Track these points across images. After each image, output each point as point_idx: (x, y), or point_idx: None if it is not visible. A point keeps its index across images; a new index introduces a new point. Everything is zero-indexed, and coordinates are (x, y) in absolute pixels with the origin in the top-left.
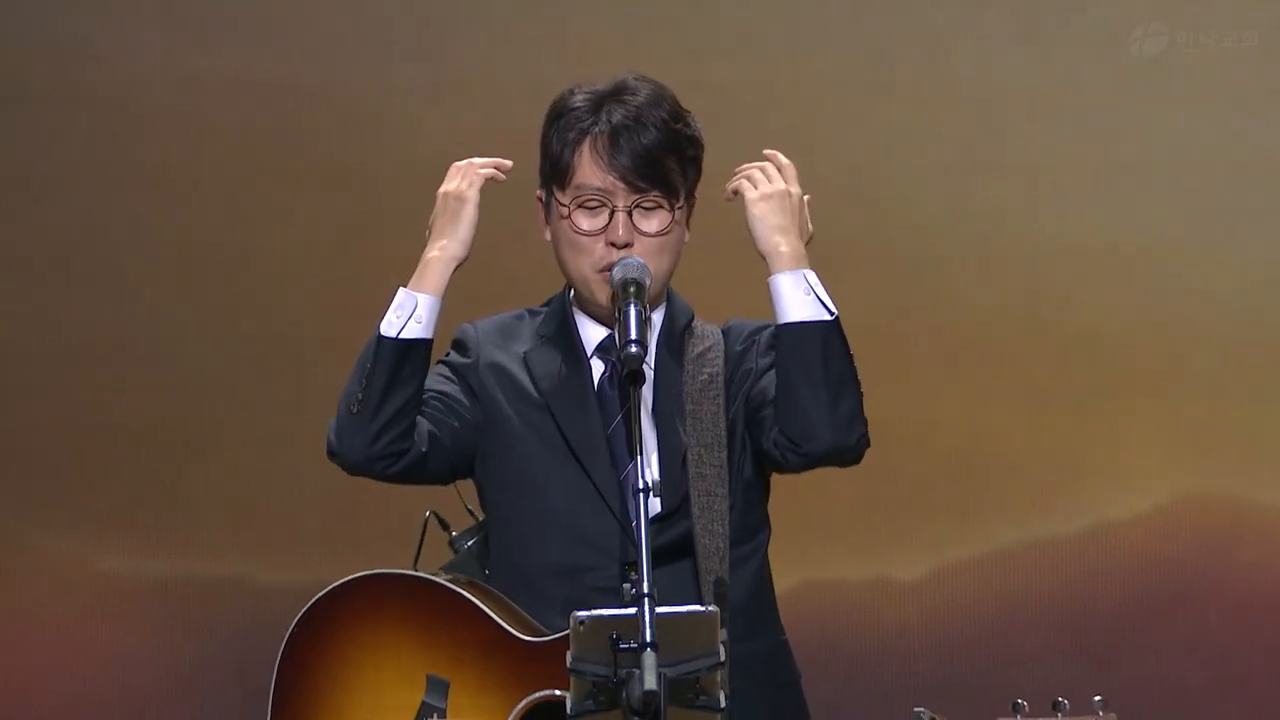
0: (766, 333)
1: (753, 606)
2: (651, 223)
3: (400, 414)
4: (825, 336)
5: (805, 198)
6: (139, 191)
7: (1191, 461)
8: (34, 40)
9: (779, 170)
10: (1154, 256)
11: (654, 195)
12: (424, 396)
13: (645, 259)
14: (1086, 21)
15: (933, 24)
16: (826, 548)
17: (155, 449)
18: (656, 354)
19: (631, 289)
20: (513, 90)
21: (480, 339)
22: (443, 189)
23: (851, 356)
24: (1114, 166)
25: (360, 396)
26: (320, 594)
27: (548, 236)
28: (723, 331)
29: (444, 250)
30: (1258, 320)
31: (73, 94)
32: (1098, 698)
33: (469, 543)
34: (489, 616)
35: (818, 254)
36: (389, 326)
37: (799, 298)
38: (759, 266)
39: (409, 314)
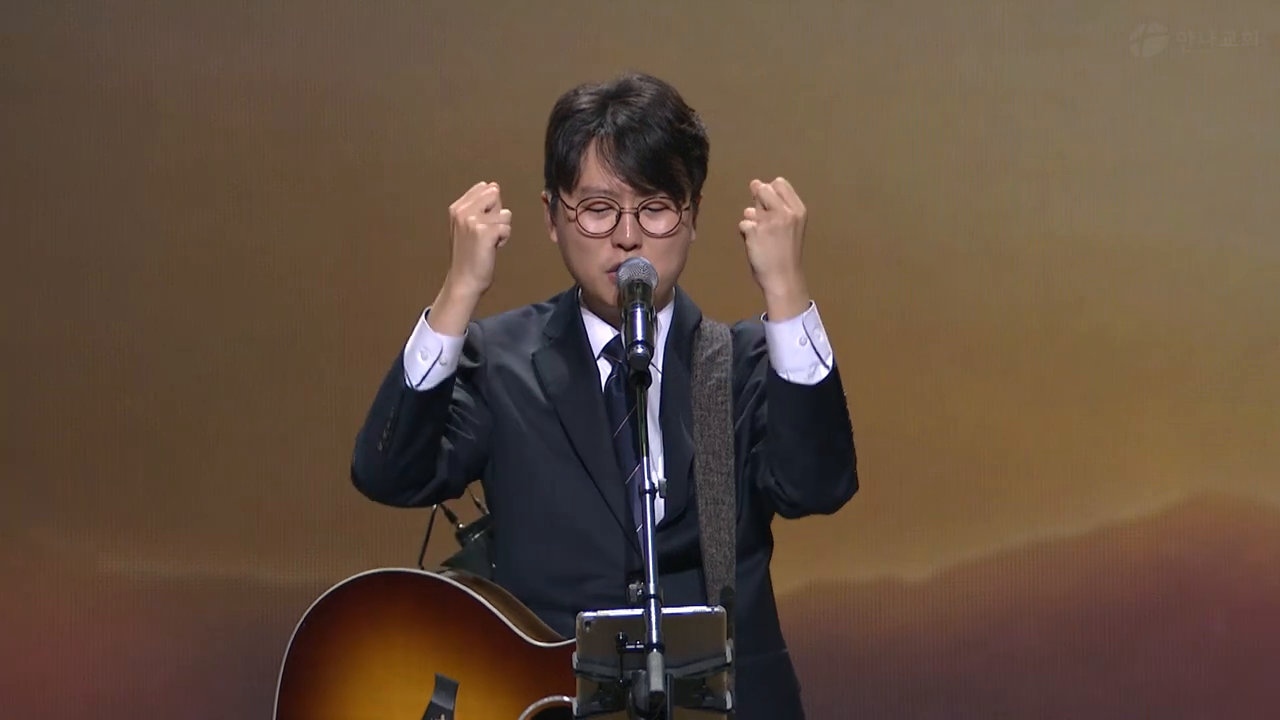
0: None
1: (755, 619)
2: (658, 224)
3: (426, 450)
4: (818, 394)
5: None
6: (150, 192)
7: (1202, 462)
8: (45, 41)
9: (781, 196)
10: (1165, 257)
11: (660, 196)
12: None
13: (653, 260)
14: (1094, 24)
15: (943, 26)
16: (834, 549)
17: (164, 449)
18: (664, 356)
19: (638, 290)
20: (524, 91)
21: (487, 340)
22: (455, 212)
23: (844, 404)
24: (1125, 167)
25: (386, 436)
26: (327, 591)
27: (554, 238)
28: (733, 334)
29: (466, 286)
30: (1269, 320)
31: (84, 94)
32: None
33: (476, 536)
34: (499, 619)
35: (828, 255)
36: (415, 371)
37: (794, 348)
38: None
39: (434, 359)
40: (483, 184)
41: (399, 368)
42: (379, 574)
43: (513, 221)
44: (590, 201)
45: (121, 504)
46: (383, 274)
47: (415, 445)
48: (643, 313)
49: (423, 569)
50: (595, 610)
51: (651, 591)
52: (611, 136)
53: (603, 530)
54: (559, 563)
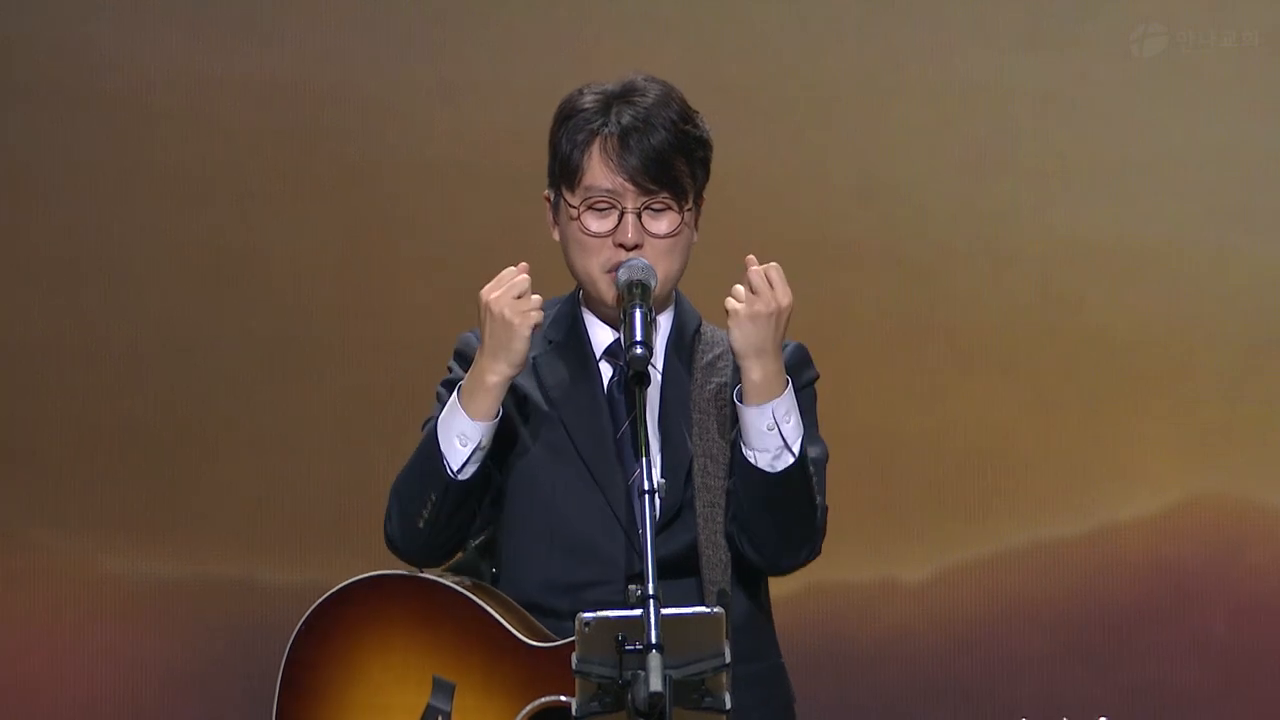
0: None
1: (751, 627)
2: (660, 224)
3: (465, 525)
4: (780, 481)
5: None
6: (150, 192)
7: (1202, 463)
8: (46, 41)
9: (771, 284)
10: (1165, 257)
11: (663, 197)
12: None
13: (654, 261)
14: (1094, 24)
15: (943, 26)
16: (833, 549)
17: (163, 449)
18: (665, 359)
19: (637, 290)
20: (524, 91)
21: None
22: (486, 299)
23: (809, 490)
24: (1125, 167)
25: (428, 517)
26: (326, 594)
27: (556, 237)
28: None
29: (500, 374)
30: (1269, 321)
31: (84, 94)
32: (1102, 718)
33: (476, 541)
34: (496, 620)
35: (828, 255)
36: (454, 458)
37: (760, 432)
38: None
39: (473, 446)
40: (513, 270)
41: (436, 449)
42: (376, 577)
43: (512, 221)
44: (592, 201)
45: (121, 504)
46: (383, 274)
47: (456, 523)
48: (642, 313)
49: (421, 572)
50: (594, 611)
51: (650, 592)
52: (615, 136)
53: (604, 533)
54: (559, 569)
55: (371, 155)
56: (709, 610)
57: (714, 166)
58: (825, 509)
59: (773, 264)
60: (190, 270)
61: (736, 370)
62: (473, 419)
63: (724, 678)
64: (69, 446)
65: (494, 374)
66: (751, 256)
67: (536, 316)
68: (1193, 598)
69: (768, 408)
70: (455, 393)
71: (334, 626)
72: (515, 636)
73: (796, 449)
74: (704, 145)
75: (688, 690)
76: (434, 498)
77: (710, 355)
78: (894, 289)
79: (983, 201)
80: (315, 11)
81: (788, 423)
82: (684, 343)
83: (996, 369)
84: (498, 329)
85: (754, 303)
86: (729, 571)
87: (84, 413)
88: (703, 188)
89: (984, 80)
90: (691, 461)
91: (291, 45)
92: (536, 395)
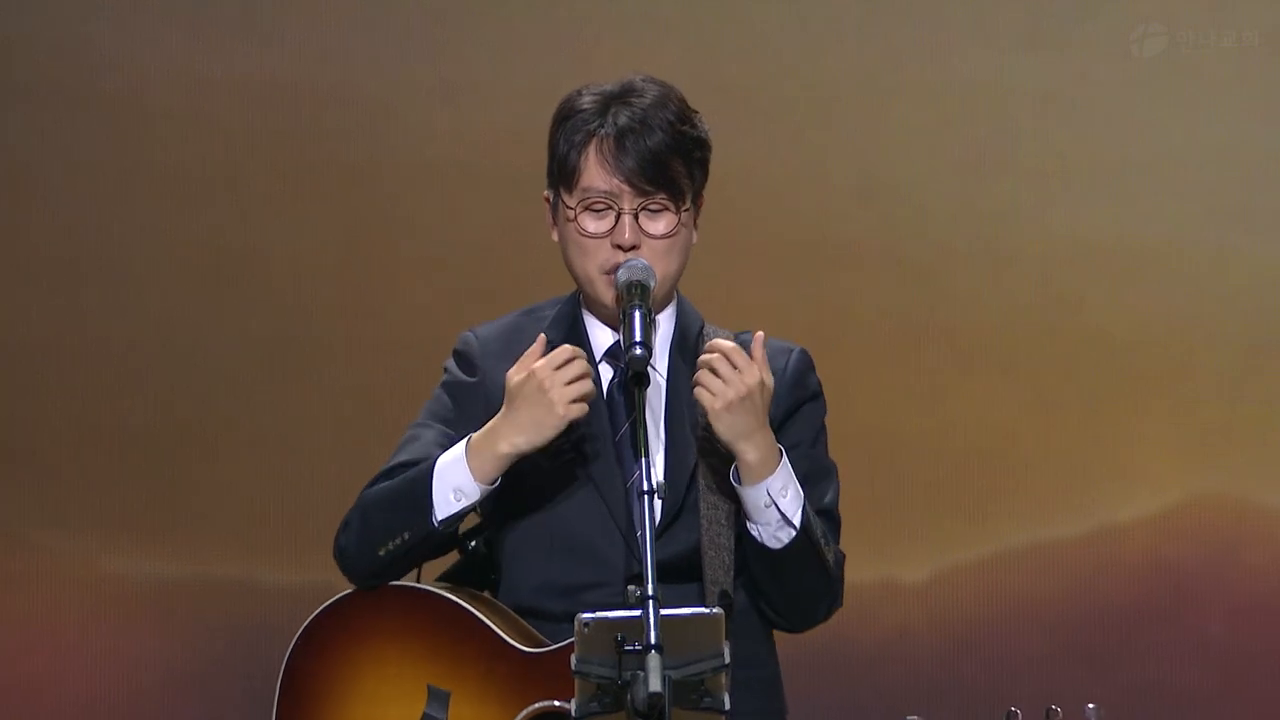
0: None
1: (751, 635)
2: (658, 225)
3: (424, 560)
4: (785, 556)
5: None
6: (149, 192)
7: (1201, 463)
8: (45, 41)
9: (735, 367)
10: (1165, 257)
11: (660, 198)
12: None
13: (652, 261)
14: (1094, 24)
15: (943, 26)
16: None
17: (162, 450)
18: (669, 360)
19: (636, 291)
20: (524, 91)
21: (484, 351)
22: (536, 373)
23: (817, 555)
24: (1125, 167)
25: (392, 549)
26: (322, 606)
27: (555, 237)
28: (738, 342)
29: (516, 447)
30: (1269, 321)
31: (84, 95)
32: (1091, 705)
33: (473, 543)
34: (489, 628)
35: (828, 256)
36: (442, 508)
37: (759, 509)
38: (767, 269)
39: (467, 505)
40: (570, 352)
41: (427, 492)
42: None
43: (512, 221)
44: (590, 201)
45: (121, 504)
46: (383, 274)
47: (414, 560)
48: (641, 314)
49: (419, 581)
50: (593, 611)
51: (650, 593)
52: (612, 137)
53: (603, 536)
54: (558, 571)
55: (371, 155)
56: (708, 611)
57: (714, 166)
58: (841, 557)
59: (730, 345)
60: (190, 270)
61: None
62: (475, 480)
63: (723, 678)
64: (69, 446)
65: (510, 445)
66: (713, 342)
67: (581, 410)
68: (1192, 598)
69: (762, 487)
70: (465, 443)
71: (330, 637)
72: (509, 643)
73: (797, 521)
74: (702, 146)
75: (687, 691)
76: (406, 537)
77: None
78: (894, 289)
79: (983, 201)
80: (315, 11)
81: (784, 497)
82: (688, 344)
83: (996, 369)
84: (537, 406)
85: (725, 393)
86: (731, 573)
87: (84, 413)
88: (701, 188)
89: (984, 80)
90: (696, 463)
91: (291, 45)
92: None
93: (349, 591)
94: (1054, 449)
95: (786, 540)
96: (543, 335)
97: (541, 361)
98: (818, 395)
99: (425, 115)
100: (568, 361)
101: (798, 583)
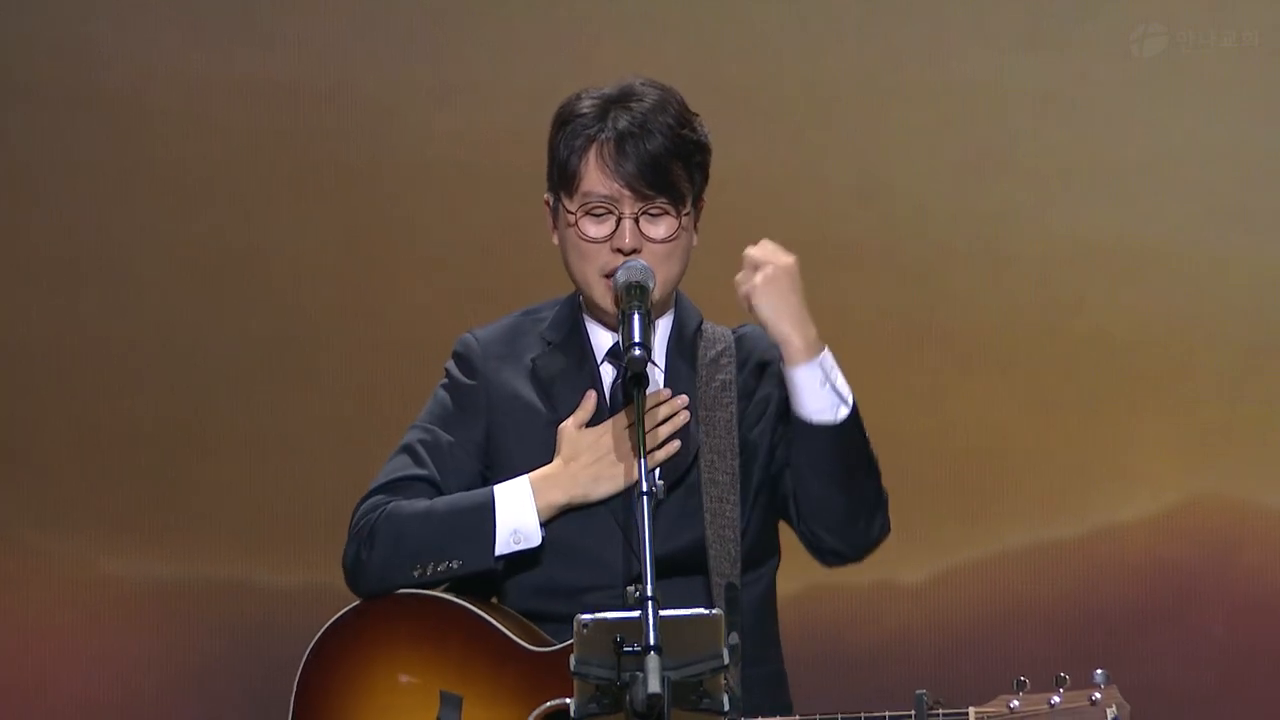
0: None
1: (757, 631)
2: (658, 228)
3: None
4: (840, 433)
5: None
6: (148, 192)
7: (1201, 464)
8: (44, 41)
9: (766, 253)
10: (1165, 257)
11: (661, 202)
12: (435, 473)
13: (653, 264)
14: (1093, 24)
15: (942, 26)
16: None
17: (162, 451)
18: (667, 358)
19: (635, 292)
20: (523, 92)
21: (484, 353)
22: (609, 436)
23: (867, 443)
24: (1124, 167)
25: (429, 572)
26: (330, 621)
27: (556, 241)
28: (736, 337)
29: (572, 499)
30: (1268, 322)
31: (82, 94)
32: (1099, 671)
33: None
34: (497, 630)
35: (828, 256)
36: (504, 545)
37: (815, 389)
38: None
39: (527, 548)
40: (632, 416)
41: (489, 524)
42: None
43: (512, 222)
44: (590, 206)
45: (120, 505)
46: (382, 274)
47: (449, 582)
48: (640, 315)
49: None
50: (592, 612)
51: (649, 594)
52: (612, 141)
53: (604, 537)
54: (558, 574)
55: (371, 156)
56: (707, 612)
57: (713, 166)
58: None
59: (763, 240)
60: (190, 270)
61: (741, 368)
62: (540, 518)
63: (722, 679)
64: (68, 446)
65: (568, 496)
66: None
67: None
68: (1191, 598)
69: (816, 363)
70: (528, 483)
71: (341, 649)
72: (517, 644)
73: (850, 399)
74: (702, 149)
75: (686, 691)
76: (456, 565)
77: (713, 352)
78: (894, 289)
79: (982, 202)
80: (315, 12)
81: (836, 377)
82: (685, 341)
83: (996, 369)
84: (599, 464)
85: (765, 268)
86: (738, 566)
87: (84, 413)
88: (701, 192)
89: (984, 80)
90: (698, 457)
91: (291, 46)
92: (536, 399)
93: (358, 603)
94: (1054, 449)
95: (844, 416)
96: (592, 392)
97: (603, 426)
98: None
99: (425, 116)
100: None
101: (855, 474)
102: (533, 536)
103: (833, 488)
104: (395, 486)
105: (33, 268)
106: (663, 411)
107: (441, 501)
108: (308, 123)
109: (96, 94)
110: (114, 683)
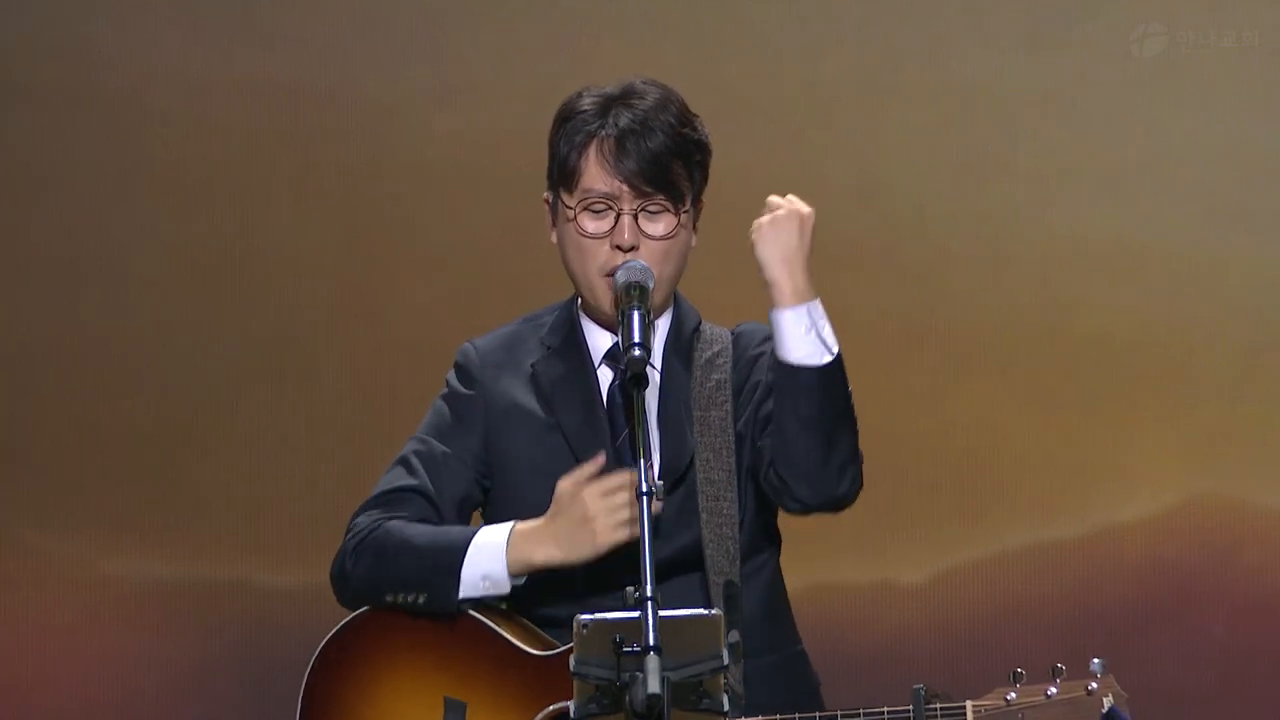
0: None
1: (768, 619)
2: (658, 226)
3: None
4: (822, 378)
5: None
6: (149, 193)
7: (1200, 464)
8: (44, 41)
9: (789, 199)
10: (1164, 258)
11: (660, 200)
12: (432, 485)
13: (651, 263)
14: (1093, 24)
15: (941, 27)
16: (830, 551)
17: (161, 451)
18: (664, 358)
19: (634, 292)
20: (522, 92)
21: (483, 363)
22: (585, 498)
23: (849, 396)
24: (1123, 168)
25: (401, 602)
26: (334, 630)
27: (554, 239)
28: (733, 336)
29: (549, 559)
30: (1268, 322)
31: (82, 95)
32: (1096, 660)
33: None
34: (498, 634)
35: (827, 256)
36: (468, 589)
37: (799, 335)
38: None
39: (494, 594)
40: (623, 480)
41: (457, 564)
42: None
43: (512, 222)
44: (590, 202)
45: (120, 505)
46: (382, 274)
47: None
48: (639, 315)
49: None
50: (592, 613)
51: (649, 594)
52: (612, 139)
53: None
54: (560, 579)
55: (371, 156)
56: (707, 613)
57: (713, 167)
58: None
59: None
60: (190, 270)
61: (736, 365)
62: (509, 572)
63: (721, 679)
64: (69, 446)
65: (546, 556)
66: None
67: (621, 537)
68: (1191, 598)
69: (803, 308)
70: (509, 531)
71: (345, 657)
72: (519, 648)
73: (835, 349)
74: (702, 149)
75: (685, 692)
76: (421, 601)
77: (710, 352)
78: (893, 290)
79: (982, 202)
80: (315, 12)
81: (823, 326)
82: (682, 341)
83: (996, 370)
84: (579, 529)
85: (775, 209)
86: (736, 563)
87: (84, 413)
88: (701, 191)
89: (983, 81)
90: (694, 457)
91: (291, 46)
92: (535, 404)
93: (356, 614)
94: (1054, 449)
95: (826, 361)
96: (603, 455)
97: (593, 487)
98: None
99: (425, 116)
100: (619, 489)
101: (833, 423)
102: (501, 584)
103: (808, 433)
104: (389, 498)
105: (33, 268)
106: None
107: (426, 533)
108: (308, 123)
109: (96, 94)
110: (114, 682)
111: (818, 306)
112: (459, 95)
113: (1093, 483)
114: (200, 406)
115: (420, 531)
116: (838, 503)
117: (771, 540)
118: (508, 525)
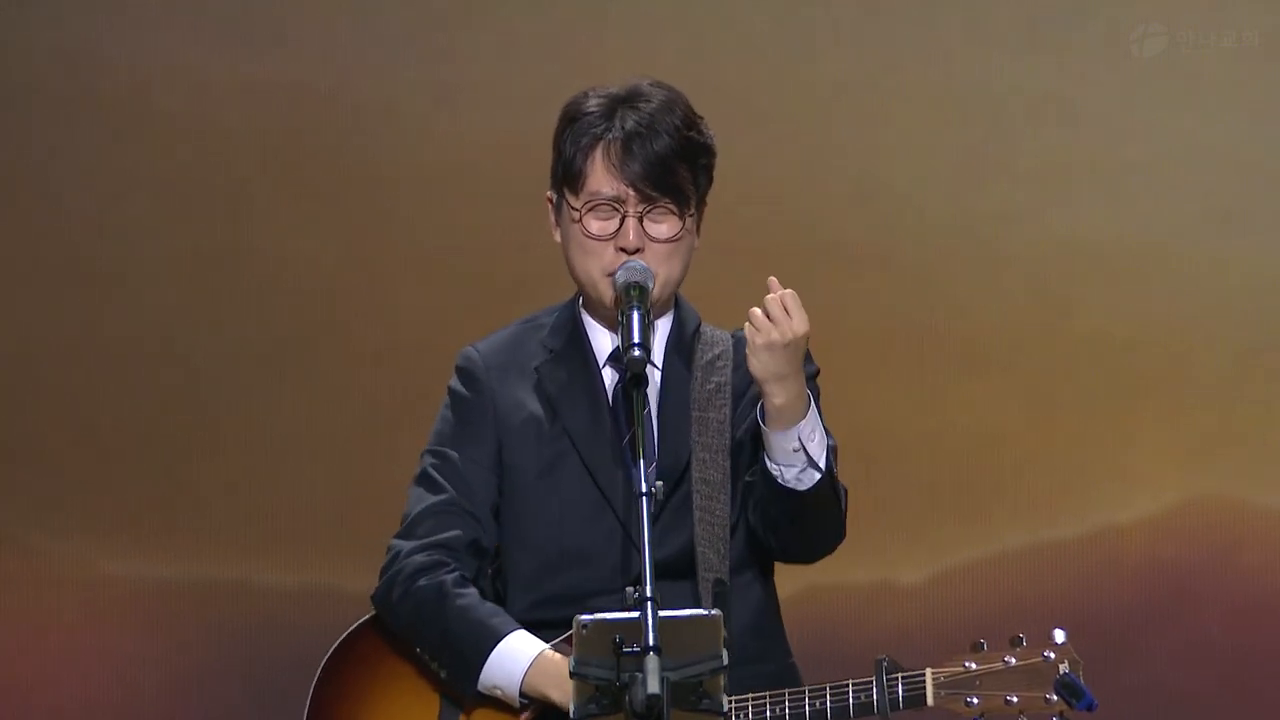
0: None
1: (760, 628)
2: (662, 228)
3: None
4: (808, 499)
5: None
6: (147, 194)
7: (1199, 465)
8: (44, 43)
9: (787, 312)
10: (1163, 259)
11: (665, 202)
12: (452, 495)
13: (655, 265)
14: (1093, 25)
15: (940, 27)
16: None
17: (161, 451)
18: (665, 359)
19: (634, 292)
20: (522, 93)
21: (486, 365)
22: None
23: (835, 496)
24: (1121, 168)
25: (427, 657)
26: (338, 640)
27: (557, 238)
28: (734, 340)
29: (560, 703)
30: (1267, 323)
31: (82, 96)
32: (1058, 630)
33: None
34: None
35: (825, 257)
36: (485, 683)
37: (786, 453)
38: (765, 271)
39: (500, 697)
40: None
41: (480, 660)
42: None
43: (512, 224)
44: (595, 204)
45: (120, 506)
46: (382, 275)
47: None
48: (640, 316)
49: None
50: (592, 613)
51: (649, 594)
52: (619, 141)
53: (608, 542)
54: (566, 582)
55: (371, 157)
56: (706, 613)
57: (716, 169)
58: (845, 490)
59: (789, 291)
60: (190, 270)
61: (736, 370)
62: (519, 692)
63: (721, 679)
64: (69, 447)
65: (561, 698)
66: (773, 279)
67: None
68: (1190, 599)
69: (793, 431)
70: (536, 657)
71: (349, 665)
72: None
73: (822, 464)
74: (707, 152)
75: (685, 692)
76: (443, 675)
77: (710, 354)
78: (892, 291)
79: (981, 203)
80: (315, 14)
81: (812, 441)
82: (683, 342)
83: (995, 370)
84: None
85: (770, 332)
86: (727, 562)
87: (84, 413)
88: (705, 194)
89: (982, 81)
90: (690, 457)
91: (291, 47)
92: (540, 408)
93: (359, 623)
94: (1052, 450)
95: (810, 483)
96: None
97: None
98: (812, 379)
99: (424, 117)
100: None
101: (815, 523)
102: (511, 697)
103: (793, 531)
104: (430, 523)
105: (33, 268)
106: None
107: (460, 614)
108: (308, 124)
109: (97, 95)
110: (114, 682)
111: (808, 423)
112: (459, 96)
113: (1092, 483)
114: (200, 407)
115: (456, 610)
116: (815, 560)
117: (766, 552)
118: (535, 649)
